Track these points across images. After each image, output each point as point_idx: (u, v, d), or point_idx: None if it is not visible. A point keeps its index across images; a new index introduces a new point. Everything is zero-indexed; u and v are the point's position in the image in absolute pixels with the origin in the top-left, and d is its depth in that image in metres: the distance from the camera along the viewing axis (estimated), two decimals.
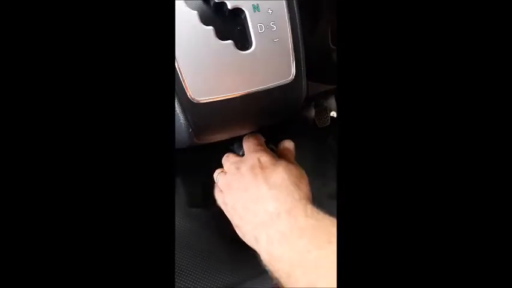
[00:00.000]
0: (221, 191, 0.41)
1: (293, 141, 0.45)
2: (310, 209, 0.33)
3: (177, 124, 0.29)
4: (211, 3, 0.29)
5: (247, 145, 0.42)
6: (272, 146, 0.44)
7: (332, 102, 0.61)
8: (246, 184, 0.37)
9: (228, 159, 0.42)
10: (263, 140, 0.43)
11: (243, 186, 0.37)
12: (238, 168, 0.39)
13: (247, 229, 0.36)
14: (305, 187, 0.38)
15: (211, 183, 0.44)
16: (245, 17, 0.29)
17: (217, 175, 0.42)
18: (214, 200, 0.43)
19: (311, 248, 0.30)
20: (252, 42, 0.30)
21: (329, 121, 0.63)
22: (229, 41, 0.29)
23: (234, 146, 0.45)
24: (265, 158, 0.38)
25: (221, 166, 0.43)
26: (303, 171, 0.39)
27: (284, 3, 0.31)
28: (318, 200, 0.37)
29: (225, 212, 0.41)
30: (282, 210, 0.33)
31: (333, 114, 0.63)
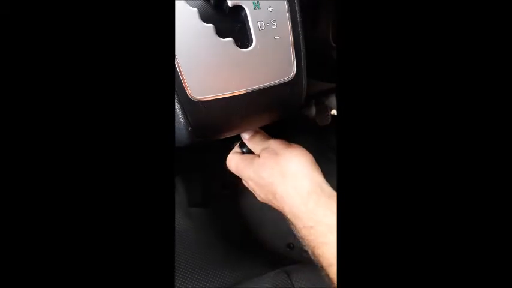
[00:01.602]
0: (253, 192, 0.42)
1: (294, 140, 0.45)
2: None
3: (176, 123, 0.29)
4: (211, 0, 0.28)
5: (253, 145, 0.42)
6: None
7: (333, 100, 0.61)
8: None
9: (244, 171, 0.41)
10: (265, 135, 0.43)
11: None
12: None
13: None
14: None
15: (211, 183, 0.44)
16: (245, 14, 0.29)
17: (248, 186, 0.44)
18: (214, 199, 0.43)
19: None
20: (252, 40, 0.30)
21: (330, 119, 0.62)
22: (230, 39, 0.29)
23: (237, 145, 0.45)
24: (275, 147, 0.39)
25: (222, 165, 0.43)
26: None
27: (285, 1, 0.31)
28: None
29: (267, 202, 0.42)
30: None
31: (334, 112, 0.63)
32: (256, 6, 0.29)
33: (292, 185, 0.36)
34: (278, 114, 0.37)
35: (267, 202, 0.41)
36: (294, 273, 0.44)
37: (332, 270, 0.32)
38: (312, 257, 0.35)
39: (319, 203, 0.34)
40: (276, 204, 0.38)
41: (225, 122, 0.32)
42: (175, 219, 0.50)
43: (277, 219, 0.58)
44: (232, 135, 0.39)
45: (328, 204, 0.34)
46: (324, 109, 0.62)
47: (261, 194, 0.40)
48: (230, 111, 0.31)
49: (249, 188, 0.43)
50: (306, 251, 0.36)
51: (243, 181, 0.44)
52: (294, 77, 0.33)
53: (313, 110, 0.61)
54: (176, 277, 0.43)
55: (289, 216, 0.36)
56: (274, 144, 0.40)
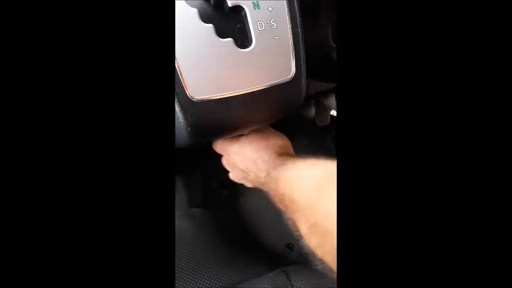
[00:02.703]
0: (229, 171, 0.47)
1: (293, 139, 0.45)
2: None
3: (176, 123, 0.29)
4: (211, 1, 0.28)
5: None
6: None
7: (332, 100, 0.61)
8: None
9: (229, 146, 0.44)
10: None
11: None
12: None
13: None
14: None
15: (211, 183, 0.44)
16: (245, 14, 0.29)
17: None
18: (214, 200, 0.43)
19: None
20: (252, 40, 0.30)
21: (329, 120, 0.63)
22: (229, 39, 0.29)
23: None
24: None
25: (222, 165, 0.44)
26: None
27: (284, 1, 0.31)
28: None
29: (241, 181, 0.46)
30: None
31: (333, 112, 0.63)
32: (256, 6, 0.29)
33: (276, 152, 0.41)
34: (277, 114, 0.37)
35: (243, 175, 0.45)
36: (293, 273, 0.44)
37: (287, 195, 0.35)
38: (271, 192, 0.38)
39: (296, 160, 0.38)
40: (253, 171, 0.42)
41: (224, 122, 0.32)
42: (175, 220, 0.50)
43: (277, 220, 0.58)
44: (231, 135, 0.39)
45: (304, 161, 0.37)
46: (324, 109, 0.62)
47: (240, 165, 0.44)
48: (230, 112, 0.31)
49: (228, 165, 0.46)
50: (305, 252, 0.36)
51: (224, 158, 0.47)
52: (294, 77, 0.33)
53: (313, 110, 0.61)
54: (176, 277, 0.43)
55: (265, 172, 0.40)
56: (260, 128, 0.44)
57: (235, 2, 0.28)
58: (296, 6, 0.32)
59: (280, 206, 0.37)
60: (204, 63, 0.28)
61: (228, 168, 0.47)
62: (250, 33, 0.30)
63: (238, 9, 0.29)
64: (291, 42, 0.32)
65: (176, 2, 0.26)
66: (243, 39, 0.30)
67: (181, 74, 0.27)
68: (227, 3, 0.28)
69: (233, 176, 0.47)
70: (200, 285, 0.43)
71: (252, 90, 0.31)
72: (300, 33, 0.33)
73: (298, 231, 0.33)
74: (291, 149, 0.44)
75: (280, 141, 0.44)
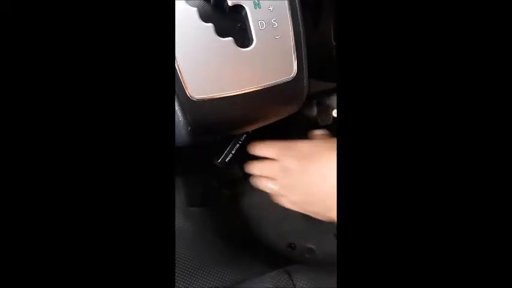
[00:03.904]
0: (283, 195, 0.44)
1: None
2: None
3: (176, 122, 0.29)
4: (211, 0, 0.28)
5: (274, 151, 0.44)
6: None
7: (334, 100, 0.61)
8: (306, 177, 0.40)
9: (266, 167, 0.44)
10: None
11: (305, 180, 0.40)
12: (285, 170, 0.41)
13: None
14: None
15: (211, 183, 0.44)
16: (246, 13, 0.29)
17: (269, 185, 0.45)
18: (214, 199, 0.43)
19: None
20: (252, 40, 0.29)
21: (331, 119, 0.62)
22: (230, 38, 0.29)
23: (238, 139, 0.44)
24: (300, 148, 0.42)
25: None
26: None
27: (286, 0, 0.31)
28: None
29: (297, 209, 0.44)
30: None
31: (335, 112, 0.63)
32: (257, 5, 0.29)
33: None
34: (279, 113, 0.37)
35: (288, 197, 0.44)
36: (295, 273, 0.43)
37: None
38: None
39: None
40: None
41: (224, 122, 0.32)
42: (176, 219, 0.50)
43: (278, 219, 0.58)
44: (232, 134, 0.39)
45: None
46: (326, 109, 0.61)
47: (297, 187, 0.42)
48: (230, 111, 0.31)
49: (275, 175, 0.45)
50: (307, 251, 0.36)
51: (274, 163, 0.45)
52: (295, 76, 0.33)
53: (315, 110, 0.61)
54: (176, 277, 0.43)
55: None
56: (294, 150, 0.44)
57: (235, 1, 0.28)
58: (297, 5, 0.32)
59: None
60: (204, 63, 0.28)
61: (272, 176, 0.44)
62: (251, 32, 0.29)
63: (238, 9, 0.29)
64: (292, 41, 0.32)
65: (176, 1, 0.26)
66: (243, 39, 0.30)
67: (181, 73, 0.27)
68: (227, 3, 0.28)
69: (266, 186, 0.45)
70: (201, 285, 0.43)
71: (253, 90, 0.31)
72: (301, 33, 0.32)
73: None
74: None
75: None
